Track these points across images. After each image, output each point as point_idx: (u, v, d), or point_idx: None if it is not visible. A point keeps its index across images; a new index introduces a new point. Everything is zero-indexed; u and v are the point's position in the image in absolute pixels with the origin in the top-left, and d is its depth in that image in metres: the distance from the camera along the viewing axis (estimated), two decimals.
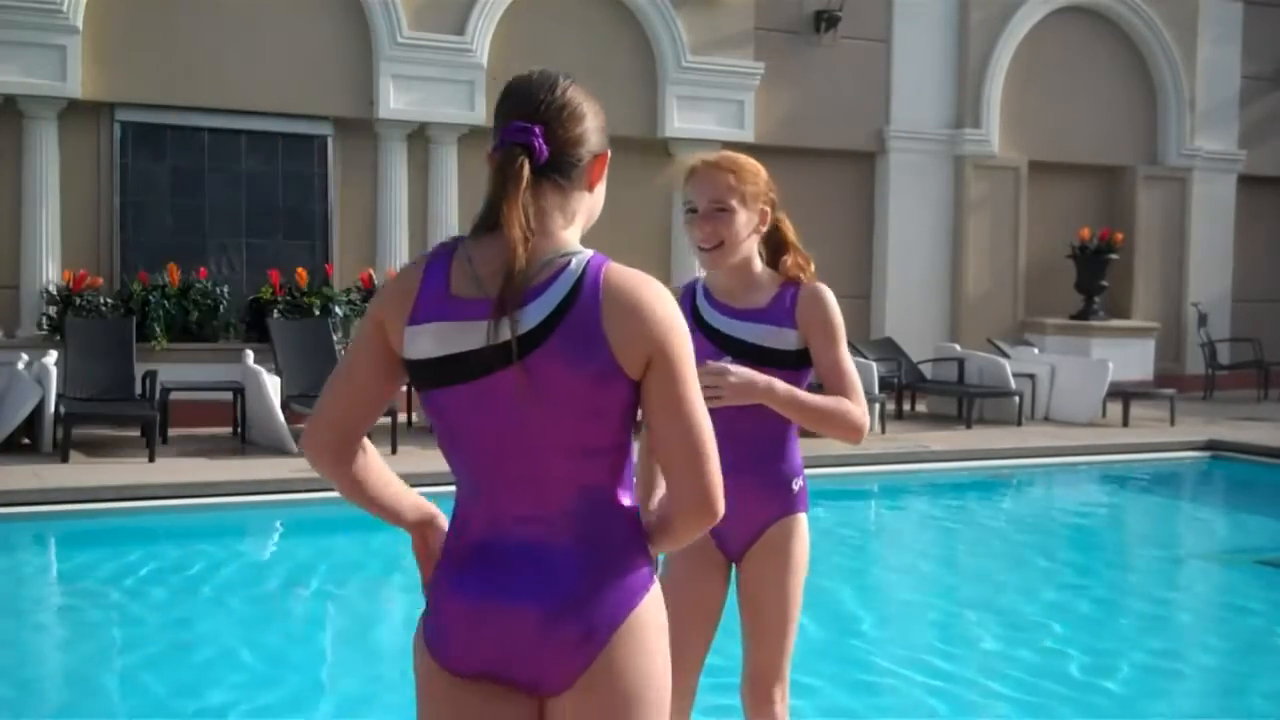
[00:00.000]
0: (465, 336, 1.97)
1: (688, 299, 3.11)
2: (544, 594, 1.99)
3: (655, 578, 2.08)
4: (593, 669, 1.99)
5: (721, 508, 2.04)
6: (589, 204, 2.13)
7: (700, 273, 3.22)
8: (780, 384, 2.91)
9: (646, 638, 2.04)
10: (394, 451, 10.06)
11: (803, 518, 3.09)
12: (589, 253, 2.01)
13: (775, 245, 3.17)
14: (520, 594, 2.00)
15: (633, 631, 2.01)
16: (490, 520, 2.04)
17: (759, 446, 3.03)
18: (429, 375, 2.01)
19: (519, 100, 2.08)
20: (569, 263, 1.98)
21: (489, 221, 2.01)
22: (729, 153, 3.10)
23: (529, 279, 1.94)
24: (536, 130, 2.03)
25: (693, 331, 2.91)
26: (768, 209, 3.07)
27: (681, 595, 2.96)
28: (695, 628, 3.04)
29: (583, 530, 2.01)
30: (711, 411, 2.88)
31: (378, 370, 2.07)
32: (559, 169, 2.05)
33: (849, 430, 2.95)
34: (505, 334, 1.93)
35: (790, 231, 3.20)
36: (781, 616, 3.02)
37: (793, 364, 3.04)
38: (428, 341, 1.99)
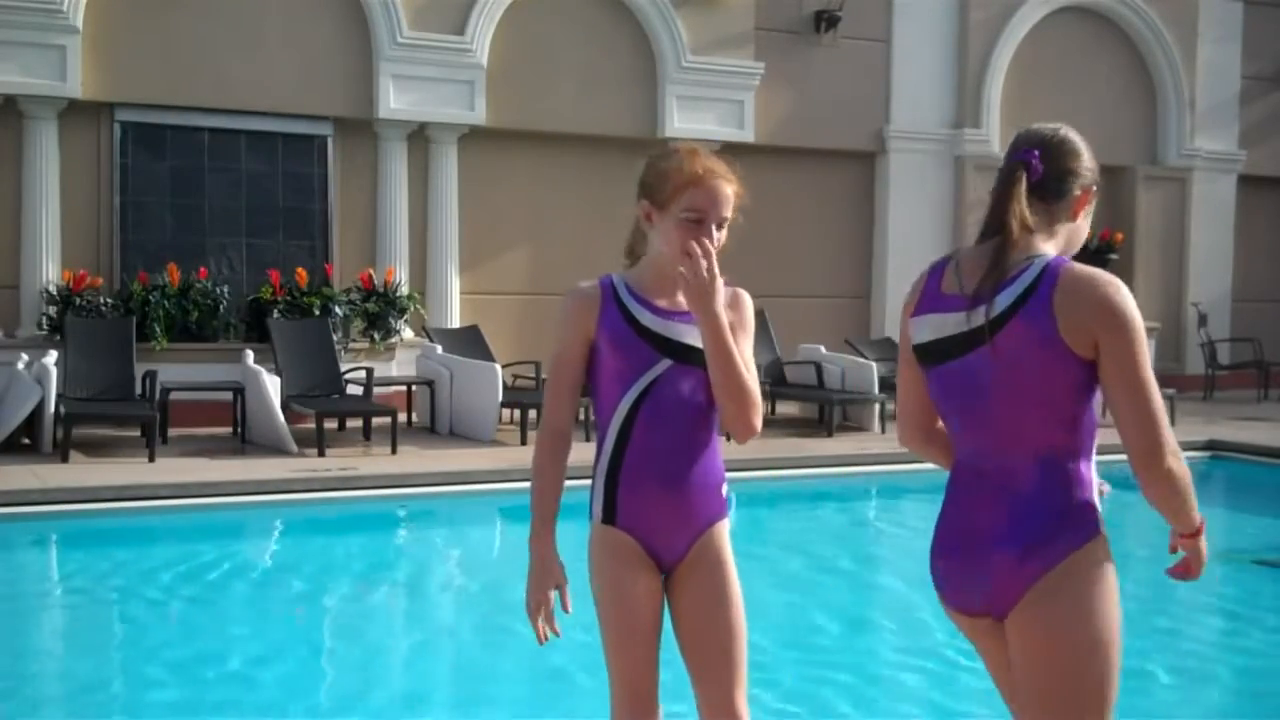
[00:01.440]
0: (948, 324, 2.47)
1: (611, 299, 2.88)
2: (1007, 539, 2.43)
3: (1102, 533, 2.47)
4: (1035, 591, 2.40)
5: (1173, 456, 2.36)
6: (1070, 229, 2.55)
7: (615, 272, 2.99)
8: (726, 324, 2.78)
9: (1091, 576, 2.41)
10: (394, 451, 10.07)
11: (728, 522, 2.98)
12: (1052, 255, 2.44)
13: None
14: (990, 540, 2.45)
15: (1076, 567, 2.41)
16: (972, 476, 2.50)
17: (702, 451, 2.89)
18: (926, 356, 2.54)
19: (1026, 135, 2.56)
20: (1034, 261, 2.42)
21: (988, 228, 2.50)
22: (725, 159, 2.93)
23: (1004, 274, 2.41)
24: (1035, 153, 2.49)
25: (628, 334, 2.84)
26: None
27: (630, 611, 2.83)
28: (649, 642, 2.86)
29: (1042, 487, 2.42)
30: (673, 421, 2.85)
31: (910, 361, 2.61)
32: (1049, 191, 2.49)
33: (750, 416, 2.81)
34: (978, 320, 2.41)
35: None
36: (740, 626, 2.89)
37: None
38: (924, 330, 2.53)
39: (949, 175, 15.16)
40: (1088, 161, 2.54)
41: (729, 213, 2.84)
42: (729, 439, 3.00)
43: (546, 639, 2.80)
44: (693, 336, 2.86)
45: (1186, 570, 2.60)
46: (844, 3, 14.24)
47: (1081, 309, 2.35)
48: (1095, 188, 2.56)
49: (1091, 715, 2.42)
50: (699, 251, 2.73)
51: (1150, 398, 2.35)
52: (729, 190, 2.82)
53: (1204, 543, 2.56)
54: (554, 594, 2.83)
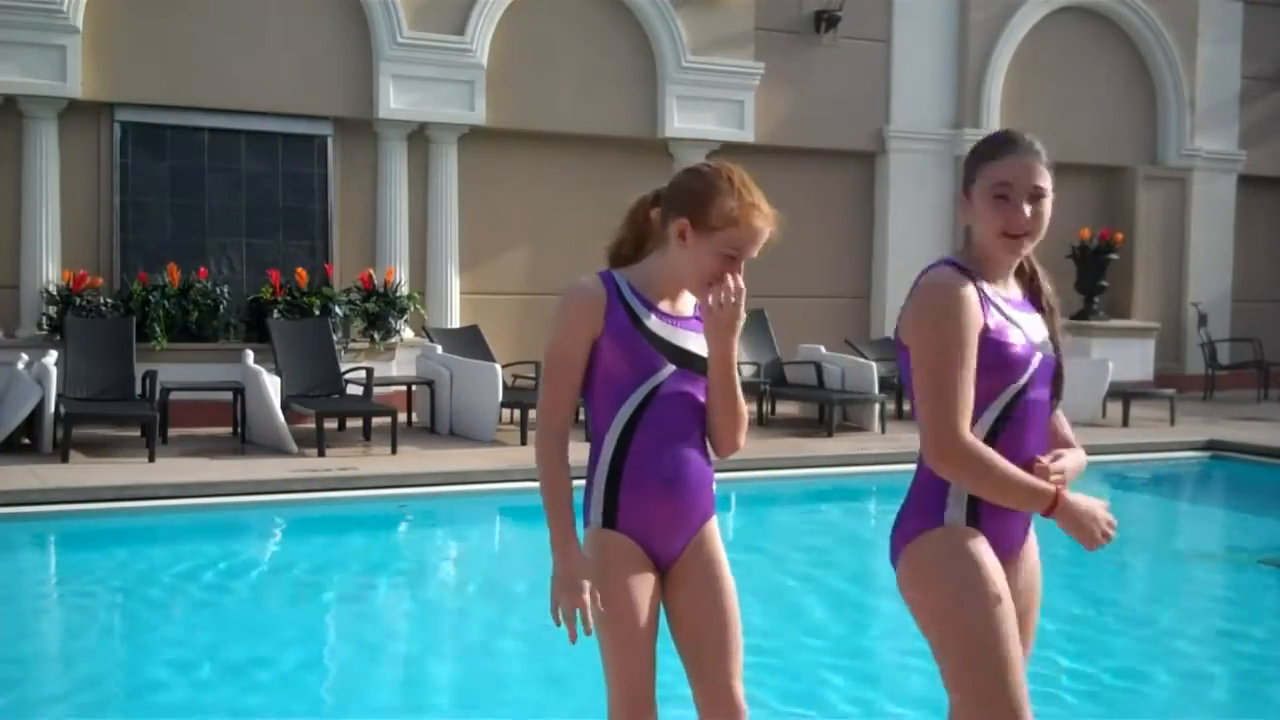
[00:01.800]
0: None
1: (616, 298, 2.85)
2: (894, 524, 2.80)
3: (944, 527, 2.68)
4: (897, 573, 2.76)
5: (946, 452, 2.58)
6: (975, 226, 2.78)
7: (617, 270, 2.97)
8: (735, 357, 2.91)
9: (924, 562, 2.68)
10: (394, 451, 10.07)
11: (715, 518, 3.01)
12: (936, 260, 2.73)
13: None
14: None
15: (914, 552, 2.70)
16: None
17: (698, 452, 2.91)
18: None
19: None
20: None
21: None
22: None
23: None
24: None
25: (634, 336, 2.82)
26: None
27: (633, 614, 2.82)
28: (649, 643, 2.86)
29: (914, 480, 2.76)
30: (674, 425, 2.87)
31: None
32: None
33: (740, 435, 2.93)
34: None
35: None
36: (736, 619, 2.91)
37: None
38: None
39: (949, 175, 15.14)
40: (968, 169, 2.83)
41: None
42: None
43: (577, 639, 2.77)
44: (695, 343, 2.89)
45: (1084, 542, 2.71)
46: (844, 3, 14.24)
47: (906, 315, 2.67)
48: (982, 176, 2.80)
49: (979, 697, 2.60)
50: (734, 288, 2.79)
51: (930, 398, 2.58)
52: (768, 233, 2.86)
53: (1080, 512, 2.65)
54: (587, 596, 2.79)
